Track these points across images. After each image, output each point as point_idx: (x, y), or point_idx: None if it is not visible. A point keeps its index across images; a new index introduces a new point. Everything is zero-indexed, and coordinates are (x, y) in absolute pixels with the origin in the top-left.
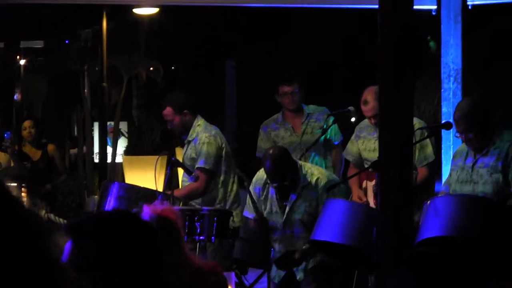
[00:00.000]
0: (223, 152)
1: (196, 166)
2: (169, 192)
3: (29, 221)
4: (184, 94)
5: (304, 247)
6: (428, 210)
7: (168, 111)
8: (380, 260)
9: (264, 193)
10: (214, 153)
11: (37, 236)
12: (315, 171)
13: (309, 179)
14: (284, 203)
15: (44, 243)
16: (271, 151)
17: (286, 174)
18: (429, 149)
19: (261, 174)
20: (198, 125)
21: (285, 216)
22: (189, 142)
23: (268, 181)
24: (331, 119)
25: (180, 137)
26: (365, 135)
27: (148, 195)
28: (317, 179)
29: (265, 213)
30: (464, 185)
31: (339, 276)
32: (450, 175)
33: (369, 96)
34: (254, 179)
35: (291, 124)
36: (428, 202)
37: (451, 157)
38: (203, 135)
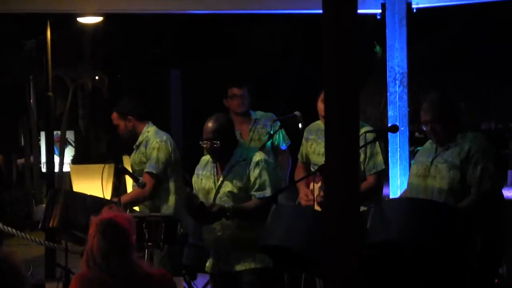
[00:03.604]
0: (172, 159)
1: (145, 170)
2: (115, 199)
3: None
4: (131, 102)
5: (226, 205)
6: (375, 214)
7: (113, 115)
8: (327, 263)
9: (203, 172)
10: (163, 159)
11: None
12: (253, 150)
13: (245, 156)
14: (218, 177)
15: None
16: (216, 114)
17: (218, 135)
18: (379, 158)
19: (205, 157)
20: (148, 131)
21: (216, 189)
22: (137, 147)
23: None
24: (277, 124)
25: (128, 144)
26: (314, 138)
27: (95, 203)
28: (254, 155)
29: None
30: (421, 179)
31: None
32: (411, 170)
33: None
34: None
35: (239, 131)
36: (375, 206)
37: (398, 160)
38: (154, 140)
